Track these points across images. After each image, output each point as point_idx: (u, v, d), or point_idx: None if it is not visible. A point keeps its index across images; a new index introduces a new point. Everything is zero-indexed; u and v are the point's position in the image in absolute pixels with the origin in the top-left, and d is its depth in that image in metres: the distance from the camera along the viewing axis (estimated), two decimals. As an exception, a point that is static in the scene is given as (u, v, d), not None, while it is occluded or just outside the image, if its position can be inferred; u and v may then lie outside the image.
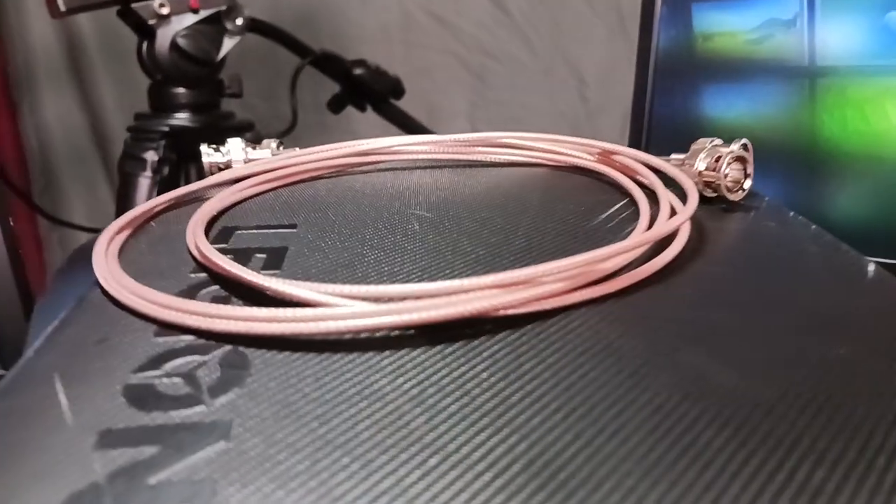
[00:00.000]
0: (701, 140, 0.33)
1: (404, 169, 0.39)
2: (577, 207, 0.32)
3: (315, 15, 1.14)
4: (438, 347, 0.21)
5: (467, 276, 0.26)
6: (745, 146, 0.33)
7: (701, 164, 0.32)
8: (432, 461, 0.17)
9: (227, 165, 0.38)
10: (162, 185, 0.85)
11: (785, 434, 0.18)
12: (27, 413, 0.19)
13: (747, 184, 0.32)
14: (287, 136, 0.95)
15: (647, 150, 0.37)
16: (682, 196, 0.32)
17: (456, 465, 0.17)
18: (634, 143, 0.62)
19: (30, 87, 1.07)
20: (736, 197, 0.32)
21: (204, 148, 0.38)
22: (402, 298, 0.22)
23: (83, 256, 0.34)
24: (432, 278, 0.26)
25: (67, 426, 0.19)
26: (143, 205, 0.31)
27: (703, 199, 0.31)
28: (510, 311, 0.22)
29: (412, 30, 1.15)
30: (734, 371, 0.20)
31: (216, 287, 0.25)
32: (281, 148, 0.40)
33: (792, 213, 0.32)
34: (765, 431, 0.18)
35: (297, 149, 0.39)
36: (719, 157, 0.32)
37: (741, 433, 0.18)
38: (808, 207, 0.55)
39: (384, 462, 0.17)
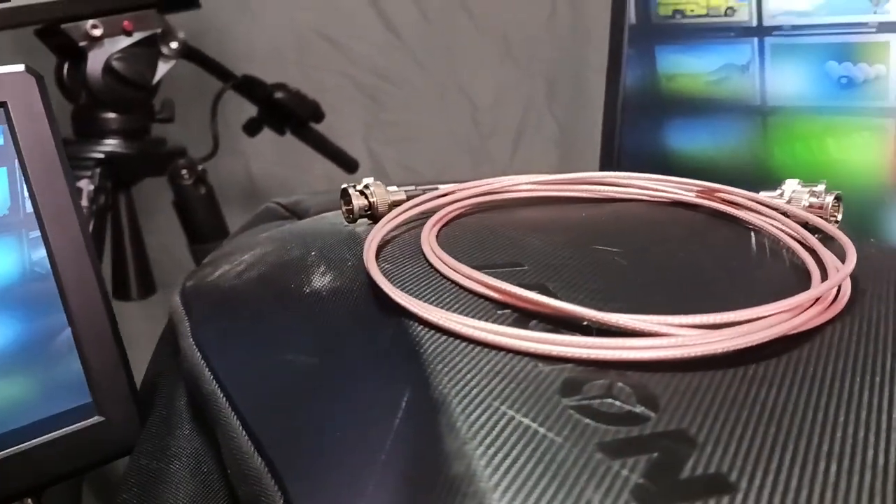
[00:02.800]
0: (789, 181, 0.41)
1: (522, 206, 0.43)
2: (725, 241, 0.38)
3: (203, 32, 1.12)
4: (773, 360, 0.27)
5: (721, 303, 0.30)
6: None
7: (805, 202, 0.40)
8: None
9: (373, 208, 0.40)
10: (98, 215, 0.83)
11: None
12: (492, 443, 0.22)
13: (839, 216, 0.40)
14: (208, 161, 0.95)
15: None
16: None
17: None
18: (604, 170, 0.70)
19: None
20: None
21: (352, 191, 0.40)
22: (722, 325, 0.27)
23: (203, 305, 0.36)
24: (702, 309, 0.29)
25: (561, 446, 0.22)
26: (370, 251, 0.34)
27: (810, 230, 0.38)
28: (798, 330, 0.28)
29: (305, 51, 1.17)
30: None
31: (536, 321, 0.29)
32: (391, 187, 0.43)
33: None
34: None
35: (419, 188, 0.43)
36: (818, 195, 0.39)
37: None
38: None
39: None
